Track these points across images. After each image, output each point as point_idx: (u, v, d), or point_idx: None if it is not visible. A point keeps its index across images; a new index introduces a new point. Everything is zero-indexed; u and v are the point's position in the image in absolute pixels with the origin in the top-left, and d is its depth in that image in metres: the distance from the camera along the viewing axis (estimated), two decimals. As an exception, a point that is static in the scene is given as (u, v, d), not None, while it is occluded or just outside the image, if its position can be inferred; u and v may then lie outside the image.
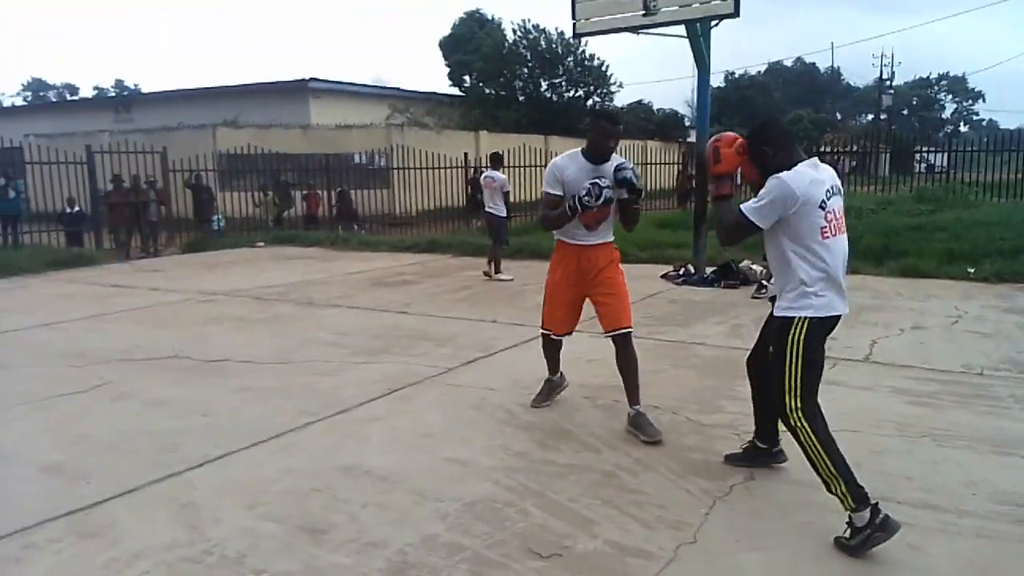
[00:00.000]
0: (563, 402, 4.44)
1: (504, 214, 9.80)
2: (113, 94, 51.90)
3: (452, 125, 29.38)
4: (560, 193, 3.86)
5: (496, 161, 10.14)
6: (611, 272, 4.03)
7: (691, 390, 4.60)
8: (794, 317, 2.85)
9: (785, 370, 2.86)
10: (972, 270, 8.55)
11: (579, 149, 3.93)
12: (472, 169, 18.96)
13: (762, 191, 2.86)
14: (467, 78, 35.33)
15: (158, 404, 4.57)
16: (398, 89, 32.42)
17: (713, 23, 9.08)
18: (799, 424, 2.86)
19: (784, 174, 2.81)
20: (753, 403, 3.44)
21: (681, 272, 9.13)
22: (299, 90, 26.89)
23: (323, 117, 25.42)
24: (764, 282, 8.04)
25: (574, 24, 9.58)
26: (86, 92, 60.23)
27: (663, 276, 9.27)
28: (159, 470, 3.54)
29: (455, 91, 35.60)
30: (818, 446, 2.83)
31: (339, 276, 10.29)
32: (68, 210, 14.42)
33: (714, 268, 8.99)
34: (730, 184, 3.11)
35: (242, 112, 24.79)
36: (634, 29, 9.36)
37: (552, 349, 4.35)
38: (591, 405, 4.41)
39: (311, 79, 27.03)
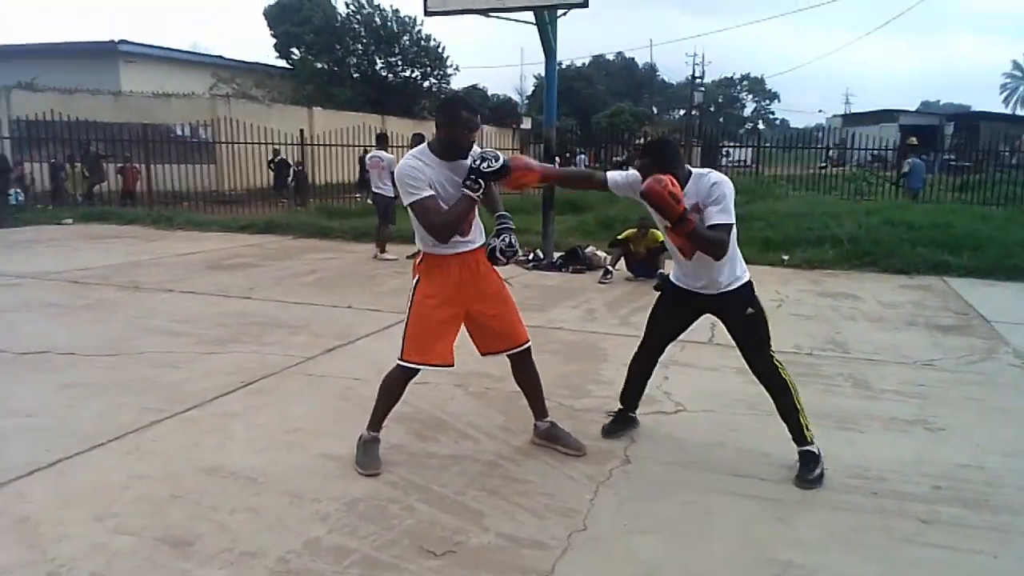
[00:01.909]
0: (434, 391, 4.34)
1: (392, 194, 9.62)
2: None
3: (283, 100, 27.97)
4: (433, 192, 3.13)
5: (382, 141, 10.20)
6: (494, 281, 3.42)
7: (559, 375, 4.67)
8: (750, 280, 3.43)
9: (762, 324, 3.41)
10: (786, 257, 9.39)
11: (423, 146, 3.25)
12: (364, 149, 18.34)
13: (715, 195, 3.16)
14: (296, 51, 33.75)
15: (-34, 406, 3.96)
16: (220, 57, 30.37)
17: (561, 12, 9.25)
18: (778, 365, 3.38)
19: (717, 174, 3.24)
20: (632, 382, 3.77)
21: (531, 257, 9.29)
22: (108, 52, 24.45)
23: (136, 84, 23.26)
24: (609, 268, 8.35)
25: (425, 1, 9.38)
26: None
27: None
28: (-22, 483, 3.05)
29: (283, 63, 33.90)
30: (790, 380, 3.37)
31: (167, 257, 9.47)
32: None
33: (561, 254, 9.23)
34: (693, 214, 3.11)
35: (41, 74, 22.06)
36: (485, 12, 9.32)
37: (401, 391, 3.40)
38: (463, 393, 4.35)
39: (121, 41, 24.66)
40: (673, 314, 3.61)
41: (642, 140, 22.62)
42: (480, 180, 3.13)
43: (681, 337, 4.87)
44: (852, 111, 58.51)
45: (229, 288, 7.37)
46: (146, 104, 20.83)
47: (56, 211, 14.05)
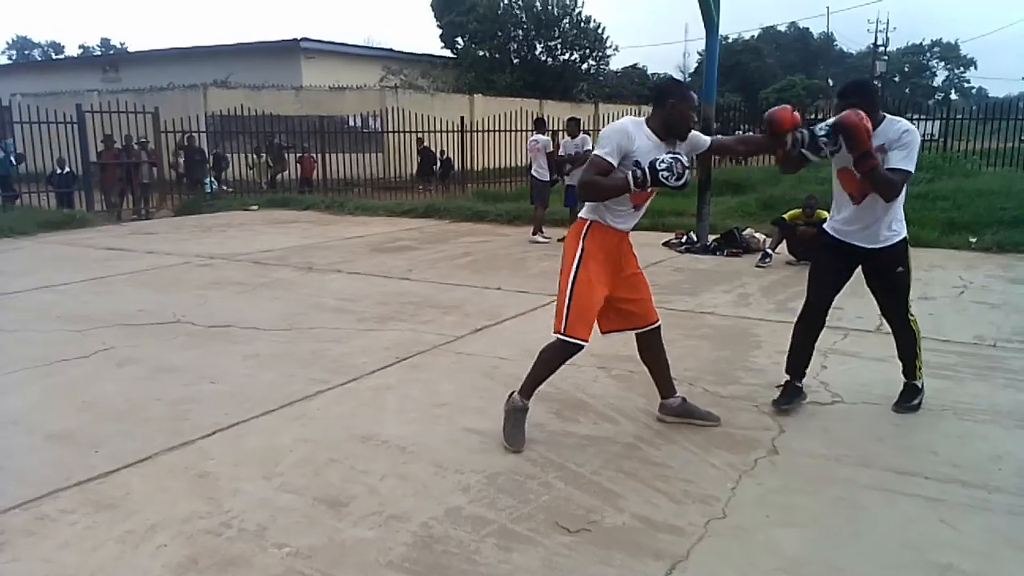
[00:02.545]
0: (577, 373, 4.36)
1: (546, 177, 9.98)
2: (99, 53, 50.75)
3: (447, 88, 28.99)
4: (615, 163, 3.13)
5: (540, 126, 10.41)
6: (634, 263, 3.48)
7: (706, 361, 4.55)
8: (906, 237, 3.55)
9: (908, 282, 3.61)
10: (974, 240, 8.52)
11: (641, 119, 3.27)
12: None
13: (904, 141, 3.32)
14: (460, 40, 34.72)
15: (164, 370, 4.49)
16: (391, 50, 31.87)
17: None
18: (912, 319, 3.66)
19: (909, 123, 3.38)
20: (798, 348, 3.78)
21: (684, 240, 9.05)
22: (291, 50, 26.38)
23: (315, 78, 24.97)
24: (768, 251, 7.98)
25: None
26: (71, 51, 58.93)
27: (665, 244, 9.19)
28: (171, 438, 3.46)
29: (448, 53, 35.02)
30: (918, 331, 3.68)
31: (337, 240, 10.16)
32: (58, 171, 14.12)
33: (717, 236, 8.92)
34: (878, 154, 3.30)
35: (233, 72, 24.30)
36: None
37: (560, 364, 3.40)
38: (606, 376, 4.35)
39: (303, 39, 26.52)
40: (833, 268, 3.66)
41: (815, 116, 21.30)
42: (648, 178, 3.08)
43: (846, 324, 4.74)
44: (1066, 75, 51.56)
45: (390, 269, 7.80)
46: (322, 97, 22.34)
47: (244, 198, 15.44)
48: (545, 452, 3.32)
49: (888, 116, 3.43)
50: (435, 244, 9.80)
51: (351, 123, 19.93)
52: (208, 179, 16.32)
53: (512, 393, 3.47)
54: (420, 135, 18.87)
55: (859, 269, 3.66)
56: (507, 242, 9.91)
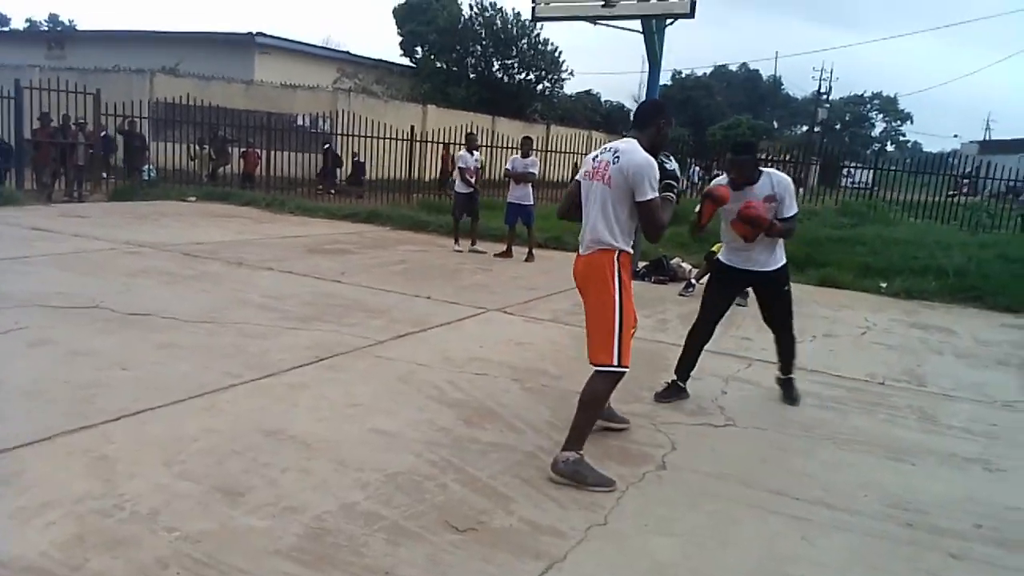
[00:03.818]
0: (491, 383, 4.51)
1: (464, 191, 10.22)
2: (46, 28, 49.02)
3: (401, 96, 28.96)
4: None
5: (470, 141, 10.54)
6: None
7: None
8: (786, 263, 4.36)
9: (791, 300, 4.44)
10: (884, 285, 8.99)
11: (636, 142, 3.29)
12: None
13: (789, 191, 4.17)
14: (419, 49, 34.82)
15: (77, 354, 4.45)
16: (348, 53, 31.73)
17: (668, 21, 9.23)
18: (794, 335, 4.50)
19: (782, 173, 4.25)
20: (687, 355, 4.46)
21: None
22: (245, 43, 26.03)
23: (268, 74, 24.69)
24: (692, 280, 8.28)
25: (534, 7, 9.61)
26: (17, 24, 56.68)
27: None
28: (75, 420, 3.46)
29: (406, 61, 35.06)
30: (795, 339, 4.53)
31: (274, 239, 10.11)
32: (-11, 145, 13.64)
33: (646, 263, 9.20)
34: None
35: (183, 61, 23.83)
36: (592, 19, 9.45)
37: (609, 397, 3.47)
38: (519, 387, 4.49)
39: (259, 33, 26.21)
40: (725, 292, 4.46)
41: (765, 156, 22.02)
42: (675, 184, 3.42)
43: (751, 355, 5.15)
44: (992, 138, 54.63)
45: (323, 271, 7.82)
46: (273, 94, 22.10)
47: (183, 189, 15.17)
48: (448, 456, 3.44)
49: (765, 169, 4.21)
50: (372, 249, 9.84)
51: (300, 122, 19.75)
52: (147, 167, 15.97)
53: (557, 459, 3.26)
54: (328, 136, 18.37)
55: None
56: (444, 252, 10.02)
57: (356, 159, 19.21)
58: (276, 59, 26.41)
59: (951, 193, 20.37)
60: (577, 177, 3.56)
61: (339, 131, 18.56)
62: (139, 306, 5.65)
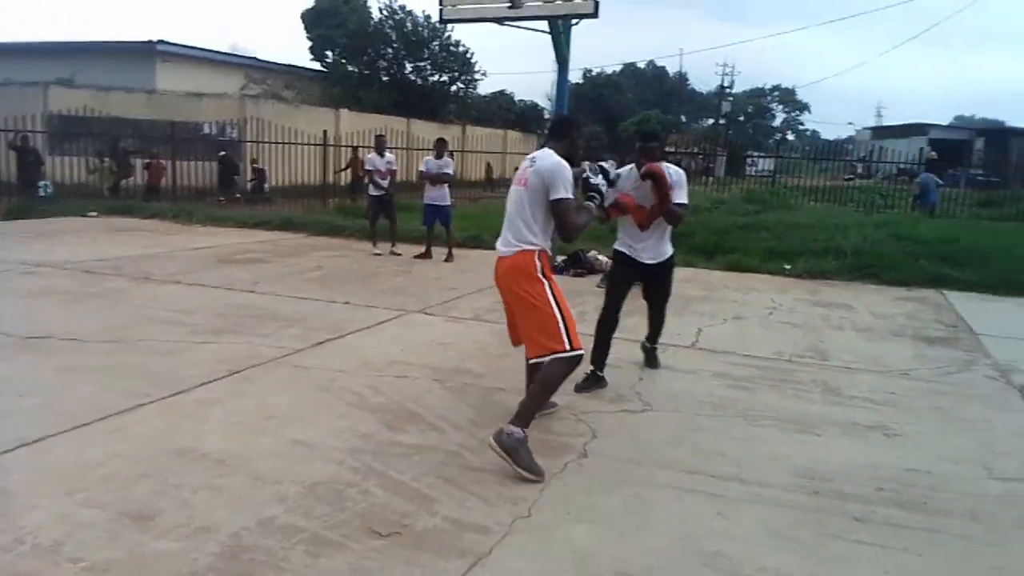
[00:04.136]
0: (412, 385, 4.48)
1: (375, 193, 10.25)
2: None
3: (312, 101, 28.41)
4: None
5: (379, 142, 10.45)
6: None
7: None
8: (673, 252, 4.74)
9: (671, 283, 4.84)
10: (788, 267, 9.41)
11: (552, 152, 3.56)
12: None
13: (681, 181, 4.45)
14: (330, 53, 34.22)
15: (-34, 384, 4.18)
16: (256, 59, 30.93)
17: (574, 21, 9.36)
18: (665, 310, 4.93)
19: (676, 167, 4.54)
20: (601, 344, 4.59)
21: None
22: (146, 52, 25.05)
23: (171, 83, 23.81)
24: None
25: (441, 9, 9.56)
26: None
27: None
28: (-34, 455, 3.25)
29: (317, 66, 34.38)
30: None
31: (181, 251, 9.75)
32: None
33: (564, 258, 9.33)
34: None
35: (79, 71, 22.68)
36: (499, 20, 9.47)
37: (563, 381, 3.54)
38: (441, 387, 4.48)
39: (160, 41, 25.26)
40: (627, 279, 4.71)
41: (667, 148, 22.66)
42: (597, 196, 3.69)
43: (665, 340, 5.31)
44: (883, 124, 57.74)
45: (235, 282, 7.59)
46: (177, 102, 21.30)
47: (84, 204, 14.45)
48: (370, 461, 3.40)
49: (664, 164, 4.47)
50: (287, 257, 9.61)
51: (207, 131, 19.11)
52: (43, 183, 15.14)
53: (502, 430, 3.32)
54: (223, 141, 17.72)
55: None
56: (362, 257, 9.89)
57: (256, 166, 18.58)
58: (179, 67, 25.51)
59: (847, 177, 21.51)
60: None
61: (249, 138, 18.07)
62: (37, 328, 5.35)
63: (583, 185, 3.74)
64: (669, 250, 4.72)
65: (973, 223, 12.58)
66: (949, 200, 16.84)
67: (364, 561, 2.58)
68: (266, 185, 18.39)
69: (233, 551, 2.61)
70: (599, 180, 3.76)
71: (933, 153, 21.25)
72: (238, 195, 17.89)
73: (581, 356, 3.44)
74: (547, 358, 3.39)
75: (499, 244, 3.62)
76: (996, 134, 39.01)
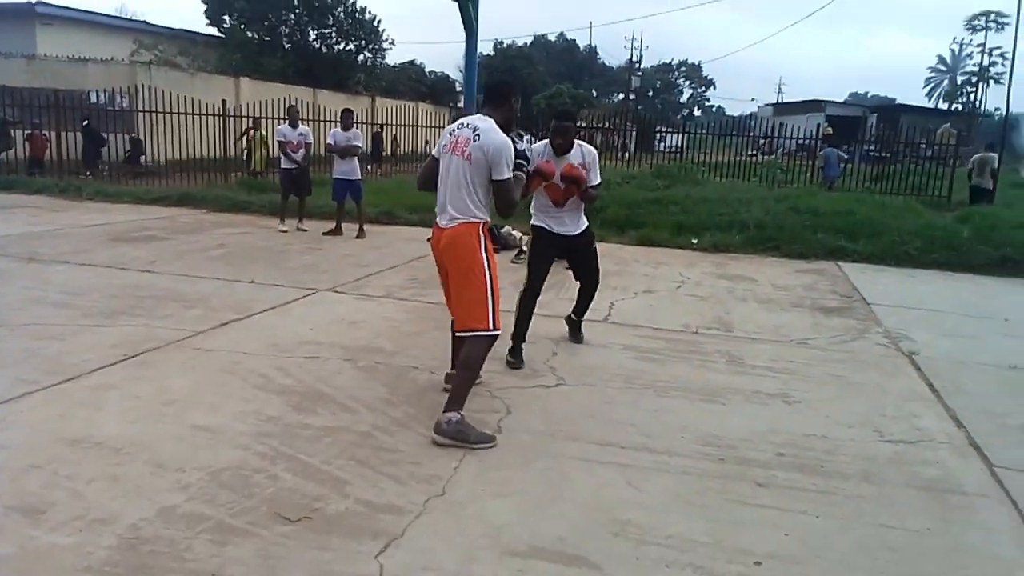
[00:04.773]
0: (321, 365, 4.38)
1: (287, 166, 9.93)
2: None
3: (209, 68, 27.08)
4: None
5: (291, 114, 10.06)
6: None
7: (442, 349, 4.73)
8: (589, 223, 4.84)
9: (597, 255, 4.92)
10: (696, 241, 9.69)
11: (492, 121, 3.51)
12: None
13: (596, 162, 4.63)
14: (227, 18, 32.59)
15: None
16: (146, 23, 29.22)
17: (481, -9, 9.26)
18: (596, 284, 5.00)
19: (590, 146, 4.69)
20: (524, 318, 4.62)
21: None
22: (25, 14, 23.27)
23: (54, 48, 22.21)
24: (524, 248, 8.46)
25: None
26: None
27: (428, 239, 9.37)
28: None
29: (213, 32, 32.73)
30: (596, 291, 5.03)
31: (70, 228, 9.17)
32: None
33: (478, 233, 9.28)
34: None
35: (-52, 35, 20.84)
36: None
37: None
38: (352, 367, 4.39)
39: (39, 3, 23.49)
40: (547, 253, 4.70)
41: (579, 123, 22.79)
42: (524, 163, 3.62)
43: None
44: (784, 101, 60.05)
45: (130, 261, 7.20)
46: (61, 69, 19.88)
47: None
48: (278, 445, 3.30)
49: (577, 141, 4.61)
50: (187, 235, 9.19)
51: (94, 99, 17.94)
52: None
53: (440, 420, 3.37)
54: (87, 111, 16.65)
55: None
56: (269, 234, 9.56)
57: (133, 136, 17.51)
58: (62, 30, 23.84)
59: (751, 153, 22.24)
60: (434, 152, 3.68)
61: (141, 108, 17.06)
62: (-97, 315, 4.93)
63: None
64: (585, 222, 4.80)
65: (866, 196, 13.25)
66: (845, 175, 17.71)
67: (273, 548, 2.51)
68: (143, 157, 17.29)
69: (132, 543, 2.49)
70: (524, 145, 3.75)
71: (829, 128, 22.18)
72: (104, 168, 16.55)
73: (498, 336, 3.50)
74: (469, 334, 3.45)
75: (439, 215, 3.60)
76: (888, 111, 41.16)
